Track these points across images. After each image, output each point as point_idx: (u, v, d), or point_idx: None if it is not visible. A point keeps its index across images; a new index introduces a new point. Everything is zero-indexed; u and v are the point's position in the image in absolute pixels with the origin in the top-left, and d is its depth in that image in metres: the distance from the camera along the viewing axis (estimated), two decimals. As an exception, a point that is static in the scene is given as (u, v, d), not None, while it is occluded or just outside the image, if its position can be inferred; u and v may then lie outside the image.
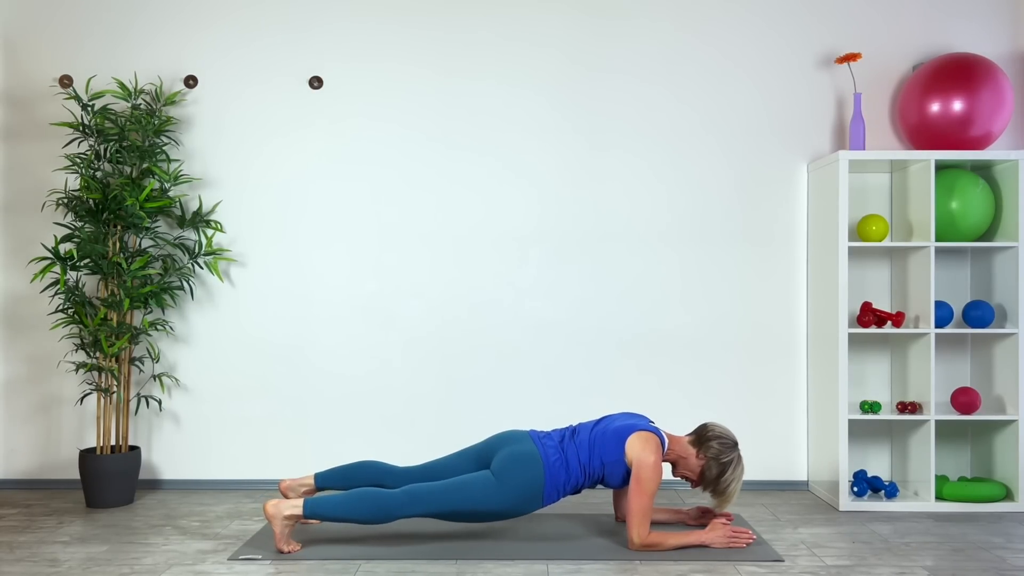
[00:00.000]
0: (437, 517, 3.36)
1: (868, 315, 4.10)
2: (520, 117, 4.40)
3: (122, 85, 4.19)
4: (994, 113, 4.07)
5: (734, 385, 4.39)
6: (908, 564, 3.23)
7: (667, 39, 4.40)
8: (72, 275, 4.28)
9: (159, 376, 4.30)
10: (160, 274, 4.21)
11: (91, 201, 4.09)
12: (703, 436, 3.47)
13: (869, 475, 4.32)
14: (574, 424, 3.62)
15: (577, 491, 3.45)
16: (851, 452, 4.35)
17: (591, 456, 3.40)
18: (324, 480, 3.60)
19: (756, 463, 4.38)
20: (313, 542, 3.44)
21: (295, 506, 3.30)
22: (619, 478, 3.40)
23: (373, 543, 3.43)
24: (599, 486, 3.55)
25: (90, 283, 4.35)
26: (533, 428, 4.04)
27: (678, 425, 4.33)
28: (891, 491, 4.07)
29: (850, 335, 4.30)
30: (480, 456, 3.53)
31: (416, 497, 3.31)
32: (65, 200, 4.10)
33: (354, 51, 4.40)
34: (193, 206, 4.41)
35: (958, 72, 4.08)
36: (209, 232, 4.37)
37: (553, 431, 3.53)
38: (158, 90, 4.35)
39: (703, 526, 3.63)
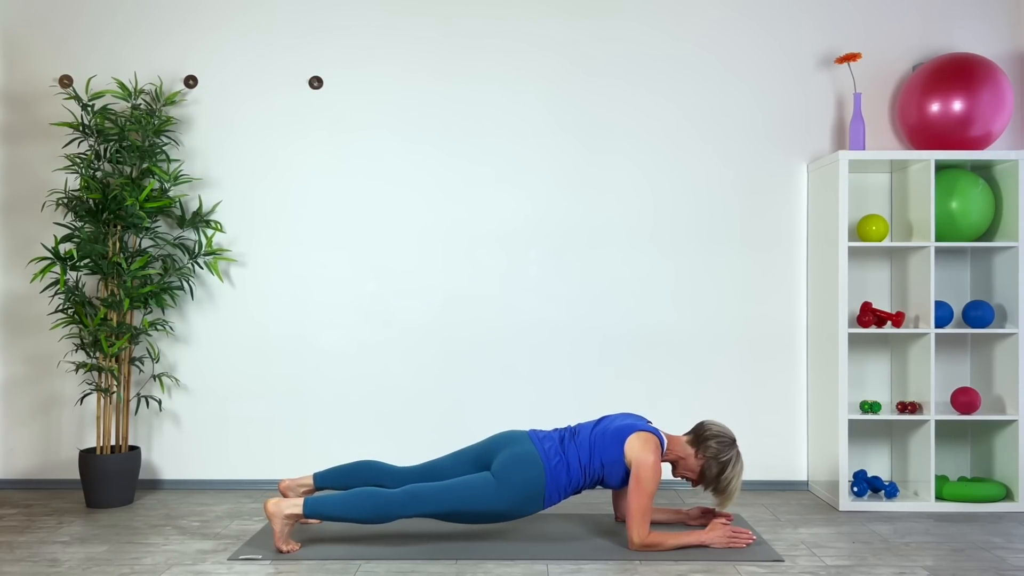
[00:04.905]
0: (437, 517, 3.36)
1: (868, 315, 4.10)
2: (519, 120, 4.39)
3: (122, 85, 4.19)
4: (994, 113, 4.07)
5: (735, 384, 4.39)
6: (908, 564, 3.23)
7: (666, 40, 4.40)
8: (72, 275, 4.28)
9: (159, 376, 4.30)
10: (160, 274, 4.21)
11: (91, 201, 4.09)
12: (701, 435, 3.46)
13: (869, 475, 4.32)
14: (573, 424, 3.63)
15: (578, 492, 3.46)
16: (851, 452, 4.35)
17: (591, 457, 3.40)
18: (323, 480, 3.60)
19: (756, 463, 4.38)
20: (313, 542, 3.44)
21: (295, 505, 3.31)
22: (618, 478, 3.41)
23: (373, 543, 3.43)
24: (599, 487, 3.54)
25: (90, 283, 4.35)
26: (533, 428, 4.04)
27: (679, 425, 4.34)
28: (891, 491, 4.07)
29: (850, 335, 4.30)
30: (479, 456, 3.53)
31: (416, 497, 3.32)
32: (65, 200, 4.10)
33: (354, 53, 4.41)
34: (193, 206, 4.41)
35: (958, 72, 4.08)
36: (209, 232, 4.37)
37: (553, 431, 3.53)
38: (158, 90, 4.35)
39: (703, 526, 3.63)
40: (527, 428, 4.33)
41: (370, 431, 4.39)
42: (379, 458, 4.37)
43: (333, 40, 4.41)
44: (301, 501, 3.32)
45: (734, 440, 3.45)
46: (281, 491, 3.63)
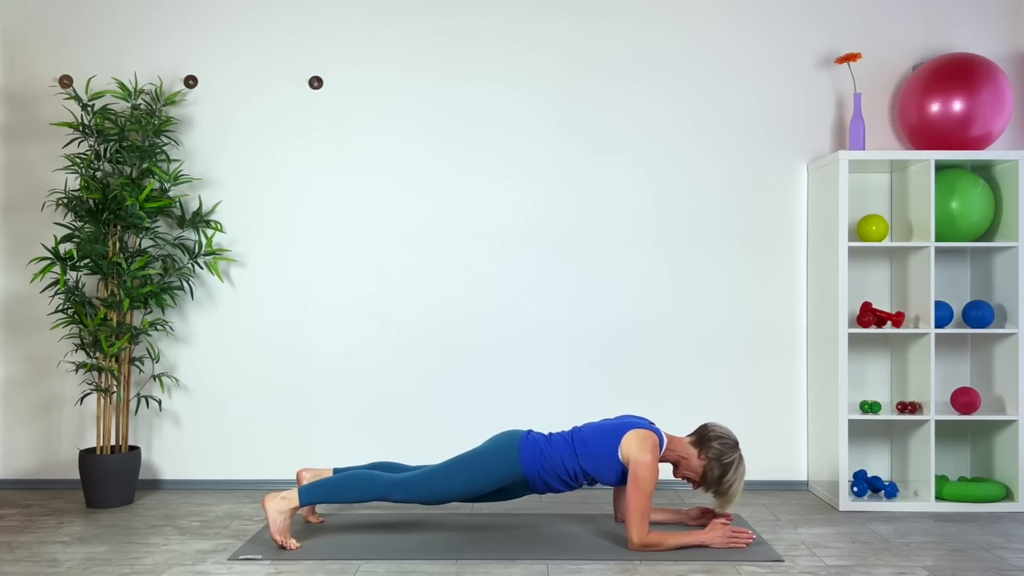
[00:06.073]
0: (425, 497, 3.41)
1: (868, 315, 4.10)
2: (519, 119, 4.39)
3: (122, 85, 4.19)
4: (994, 113, 4.07)
5: (735, 385, 4.39)
6: (908, 564, 3.23)
7: (667, 39, 4.39)
8: (72, 275, 4.28)
9: (159, 376, 4.30)
10: (160, 274, 4.21)
11: (91, 201, 4.09)
12: (704, 437, 3.46)
13: (869, 475, 4.32)
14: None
15: (564, 476, 3.41)
16: (851, 452, 4.35)
17: (583, 443, 3.41)
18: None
19: (756, 463, 4.38)
20: (313, 541, 3.44)
21: (289, 493, 3.38)
22: (612, 473, 3.40)
23: (373, 543, 3.43)
24: (597, 484, 3.54)
25: (90, 283, 4.35)
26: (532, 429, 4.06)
27: (680, 425, 4.34)
28: (891, 491, 4.07)
29: (850, 335, 4.30)
30: None
31: (408, 477, 3.41)
32: (65, 200, 4.10)
33: (354, 52, 4.40)
34: (193, 206, 4.41)
35: (958, 72, 4.08)
36: (209, 232, 4.37)
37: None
38: (158, 90, 4.35)
39: (703, 526, 3.63)
40: (526, 427, 4.33)
41: (369, 430, 4.39)
42: (378, 457, 4.37)
43: (333, 40, 4.41)
44: (295, 490, 3.39)
45: (737, 443, 3.45)
46: (298, 479, 3.68)
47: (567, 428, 4.28)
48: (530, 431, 3.50)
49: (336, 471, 3.64)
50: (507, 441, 3.45)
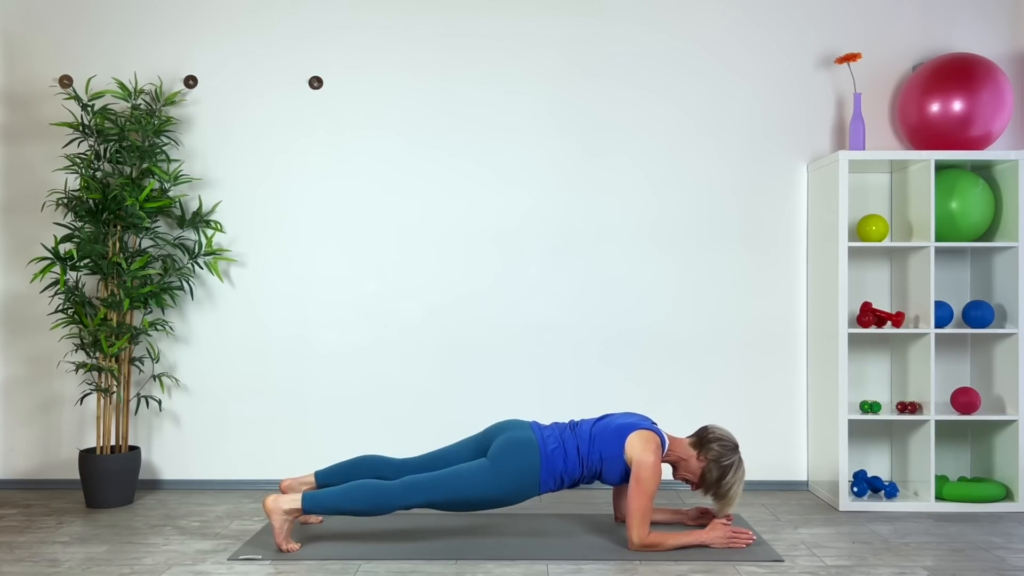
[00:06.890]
0: (435, 507, 3.36)
1: (868, 315, 4.10)
2: (519, 119, 4.39)
3: (122, 85, 4.19)
4: (994, 113, 4.07)
5: (735, 384, 4.39)
6: (908, 564, 3.23)
7: (667, 40, 4.40)
8: (72, 275, 4.29)
9: (159, 376, 4.30)
10: (160, 274, 4.21)
11: (91, 201, 4.09)
12: (704, 438, 3.47)
13: (869, 475, 4.32)
14: (576, 420, 3.64)
15: (575, 484, 3.45)
16: (851, 452, 4.35)
17: (591, 449, 3.40)
18: (325, 477, 3.61)
19: (756, 463, 4.38)
20: (313, 542, 3.45)
21: (294, 500, 3.32)
22: (617, 474, 3.41)
23: (373, 543, 3.43)
24: (597, 482, 3.54)
25: (90, 283, 4.35)
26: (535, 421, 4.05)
27: (680, 425, 4.34)
28: (891, 491, 4.07)
29: (850, 335, 4.30)
30: (480, 444, 3.55)
31: (413, 487, 3.33)
32: (65, 200, 4.10)
33: (354, 53, 4.41)
34: (193, 206, 4.41)
35: (958, 72, 4.08)
36: (209, 232, 4.37)
37: (554, 424, 3.54)
38: (158, 90, 4.35)
39: (703, 526, 3.63)
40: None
41: (370, 431, 4.39)
42: (379, 458, 4.38)
43: (333, 40, 4.41)
44: (299, 496, 3.33)
45: (737, 446, 3.45)
46: (282, 491, 3.63)
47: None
48: (543, 439, 3.42)
49: (317, 473, 3.62)
50: (527, 465, 3.35)
